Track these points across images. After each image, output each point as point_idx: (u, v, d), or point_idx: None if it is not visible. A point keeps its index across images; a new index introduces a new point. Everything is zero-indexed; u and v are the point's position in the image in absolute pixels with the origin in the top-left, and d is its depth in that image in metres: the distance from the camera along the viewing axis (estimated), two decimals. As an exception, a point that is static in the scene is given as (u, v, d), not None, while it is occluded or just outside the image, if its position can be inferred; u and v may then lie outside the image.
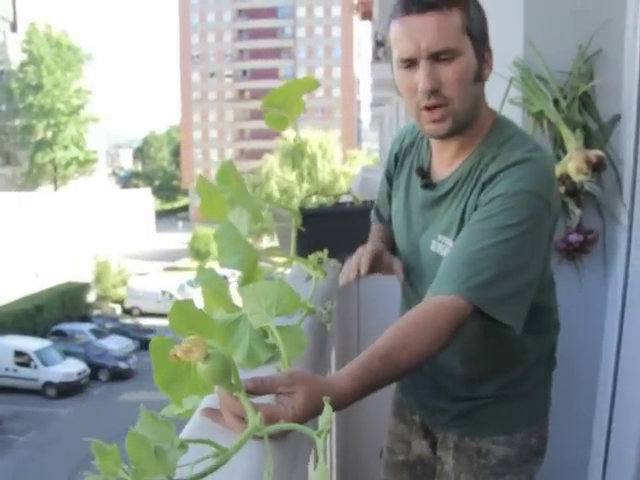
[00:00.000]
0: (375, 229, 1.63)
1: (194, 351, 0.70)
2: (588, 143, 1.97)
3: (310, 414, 0.81)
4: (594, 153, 1.93)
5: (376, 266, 1.37)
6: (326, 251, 1.46)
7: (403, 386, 1.61)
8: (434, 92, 1.15)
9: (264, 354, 0.93)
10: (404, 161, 1.44)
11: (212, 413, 0.81)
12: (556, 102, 1.99)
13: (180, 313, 0.79)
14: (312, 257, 1.40)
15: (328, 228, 1.79)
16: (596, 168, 1.94)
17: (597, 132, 2.01)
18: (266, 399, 0.81)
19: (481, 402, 1.41)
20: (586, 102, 2.02)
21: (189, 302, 0.80)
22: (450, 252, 1.18)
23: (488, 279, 1.09)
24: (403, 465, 1.58)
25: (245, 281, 1.17)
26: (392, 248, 1.54)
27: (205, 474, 0.60)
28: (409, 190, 1.40)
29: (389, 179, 1.54)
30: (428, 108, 1.18)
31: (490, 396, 1.40)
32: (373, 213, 1.68)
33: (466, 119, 1.21)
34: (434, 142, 1.32)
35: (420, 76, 1.15)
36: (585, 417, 2.13)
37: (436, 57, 1.14)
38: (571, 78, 2.00)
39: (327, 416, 0.65)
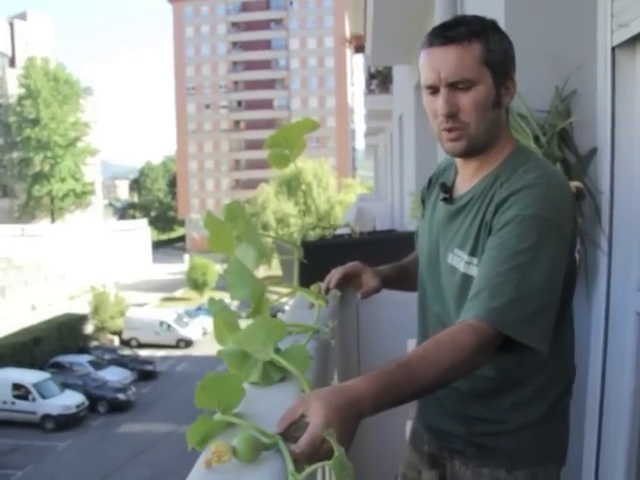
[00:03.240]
0: (410, 256, 1.76)
1: (223, 454, 0.80)
2: (568, 175, 2.12)
3: (336, 414, 0.89)
4: (573, 184, 2.08)
5: (347, 282, 1.62)
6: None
7: (417, 409, 1.60)
8: (452, 116, 1.26)
9: (277, 374, 1.06)
10: (436, 183, 1.52)
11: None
12: (536, 138, 2.14)
13: (208, 389, 0.89)
14: (314, 287, 1.53)
15: (328, 259, 1.93)
16: (576, 198, 2.08)
17: (576, 165, 2.17)
18: None
19: (484, 427, 1.37)
20: (564, 137, 2.18)
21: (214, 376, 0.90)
22: (474, 281, 1.22)
23: (505, 302, 1.13)
24: None
25: (255, 311, 1.29)
26: (410, 273, 1.64)
27: None
28: (435, 206, 1.48)
29: (423, 201, 1.62)
30: (447, 129, 1.29)
31: (494, 420, 1.36)
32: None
33: (482, 141, 1.29)
34: (457, 162, 1.42)
35: (439, 102, 1.26)
36: (575, 436, 2.23)
37: (454, 86, 1.25)
38: (549, 116, 2.17)
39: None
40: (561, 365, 1.39)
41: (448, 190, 1.43)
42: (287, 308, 1.81)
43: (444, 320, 1.39)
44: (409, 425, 2.41)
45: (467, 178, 1.38)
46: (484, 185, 1.32)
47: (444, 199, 1.42)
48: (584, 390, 2.25)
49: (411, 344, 2.20)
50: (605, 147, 2.12)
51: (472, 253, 1.29)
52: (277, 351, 1.08)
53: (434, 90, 1.28)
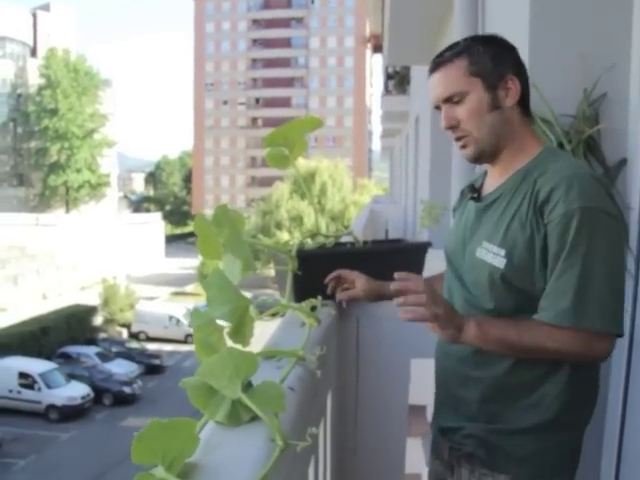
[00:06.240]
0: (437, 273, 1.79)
1: None
2: (593, 187, 1.94)
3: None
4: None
5: (339, 285, 1.78)
6: (320, 297, 1.42)
7: (433, 415, 1.61)
8: (453, 128, 1.41)
9: (246, 413, 0.90)
10: (468, 193, 1.59)
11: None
12: (561, 145, 1.97)
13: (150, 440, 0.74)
14: (305, 304, 1.36)
15: (327, 270, 1.76)
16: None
17: (603, 176, 1.98)
18: None
19: (493, 427, 1.39)
20: (591, 146, 2.00)
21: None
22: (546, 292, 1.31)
23: (570, 301, 1.25)
24: None
25: (234, 331, 1.13)
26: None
27: None
28: (464, 210, 1.56)
29: (455, 211, 1.68)
30: (455, 139, 1.43)
31: (512, 416, 1.38)
32: None
33: (489, 143, 1.40)
34: (486, 165, 1.51)
35: (442, 118, 1.42)
36: (592, 461, 2.07)
37: (450, 100, 1.40)
38: (576, 122, 1.99)
39: None
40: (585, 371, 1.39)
41: (476, 190, 1.51)
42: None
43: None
44: (410, 442, 2.27)
45: (495, 177, 1.45)
46: (514, 181, 1.38)
47: (472, 198, 1.50)
48: (602, 420, 2.07)
49: (414, 364, 2.03)
50: (636, 158, 1.94)
51: (500, 245, 1.34)
52: (249, 386, 0.92)
53: (440, 110, 1.44)
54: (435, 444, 1.60)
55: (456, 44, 1.44)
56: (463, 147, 1.42)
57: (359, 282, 1.73)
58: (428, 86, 1.47)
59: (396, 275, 1.29)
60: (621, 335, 1.29)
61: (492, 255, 1.35)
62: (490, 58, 1.39)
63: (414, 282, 1.27)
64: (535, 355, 1.32)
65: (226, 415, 0.91)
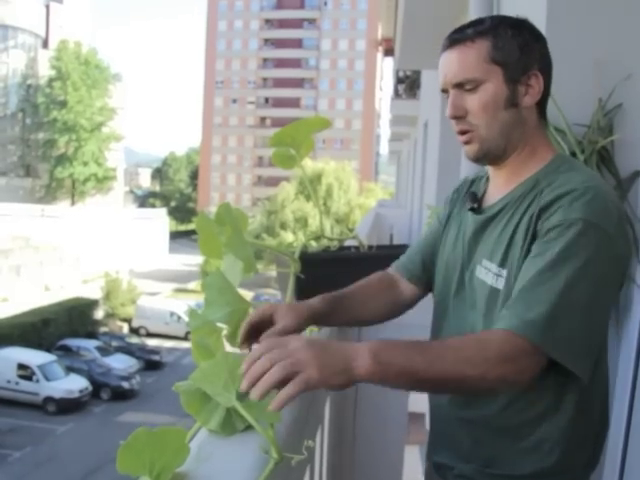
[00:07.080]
0: (355, 285, 1.49)
1: None
2: (605, 199, 1.90)
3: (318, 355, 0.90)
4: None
5: (259, 334, 1.18)
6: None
7: (428, 446, 1.48)
8: (459, 118, 1.21)
9: (241, 422, 0.86)
10: (459, 197, 1.44)
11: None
12: (573, 155, 1.93)
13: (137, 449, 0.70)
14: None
15: (331, 274, 1.72)
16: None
17: (615, 188, 1.94)
18: None
19: (488, 471, 1.24)
20: (604, 157, 1.96)
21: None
22: (513, 291, 1.12)
23: (543, 313, 1.03)
24: None
25: (232, 334, 1.10)
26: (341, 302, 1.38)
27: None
28: (461, 221, 1.38)
29: (448, 216, 1.46)
30: (458, 132, 1.24)
31: (494, 460, 1.23)
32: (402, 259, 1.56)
33: (497, 144, 1.21)
34: (489, 169, 1.33)
35: (447, 104, 1.22)
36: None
37: (461, 87, 1.20)
38: (590, 132, 1.95)
39: None
40: (589, 405, 1.22)
41: (477, 200, 1.33)
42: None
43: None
44: (407, 450, 2.23)
45: (499, 186, 1.28)
46: (521, 191, 1.21)
47: (472, 209, 1.31)
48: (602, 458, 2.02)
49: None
50: (650, 171, 1.90)
51: (501, 264, 1.18)
52: (245, 394, 0.88)
53: (448, 94, 1.24)
54: (428, 477, 1.47)
55: (481, 21, 1.22)
56: (467, 142, 1.23)
57: (278, 316, 1.18)
58: (439, 65, 1.27)
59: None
60: (583, 380, 1.08)
61: (492, 276, 1.19)
62: (518, 46, 1.19)
63: (252, 362, 0.88)
64: (452, 388, 1.09)
65: (219, 423, 0.88)
